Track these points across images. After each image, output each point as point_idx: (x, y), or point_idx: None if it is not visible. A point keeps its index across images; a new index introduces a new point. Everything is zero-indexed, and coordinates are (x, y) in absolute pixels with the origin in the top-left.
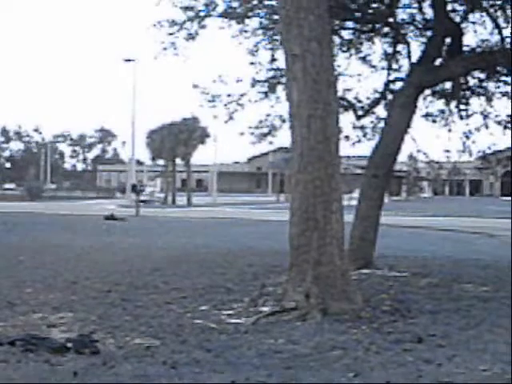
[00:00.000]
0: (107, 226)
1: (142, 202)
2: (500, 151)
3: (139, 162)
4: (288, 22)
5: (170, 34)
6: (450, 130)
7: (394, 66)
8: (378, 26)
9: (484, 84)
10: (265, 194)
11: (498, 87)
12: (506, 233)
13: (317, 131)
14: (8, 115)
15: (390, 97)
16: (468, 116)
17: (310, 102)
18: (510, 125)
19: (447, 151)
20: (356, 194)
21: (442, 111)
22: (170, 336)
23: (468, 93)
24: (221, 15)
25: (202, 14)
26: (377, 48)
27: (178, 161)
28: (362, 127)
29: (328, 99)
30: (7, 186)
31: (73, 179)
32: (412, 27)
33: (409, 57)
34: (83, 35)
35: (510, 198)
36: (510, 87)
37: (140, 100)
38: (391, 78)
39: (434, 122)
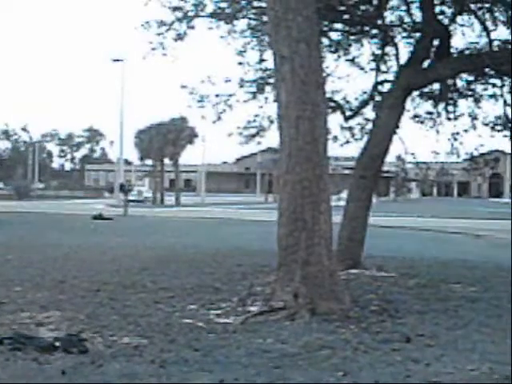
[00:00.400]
0: (95, 225)
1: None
2: (488, 153)
3: (127, 162)
4: (276, 24)
5: (159, 34)
6: (437, 132)
7: (383, 67)
8: (366, 27)
9: (472, 86)
10: (253, 195)
11: (486, 89)
12: (492, 233)
13: (305, 132)
14: None
15: (378, 98)
16: (456, 117)
17: (299, 103)
18: (497, 126)
19: (435, 152)
20: (344, 195)
21: (430, 113)
22: (158, 335)
23: (456, 94)
24: (209, 16)
25: (190, 14)
26: (365, 50)
27: (167, 161)
28: (350, 128)
29: (316, 100)
30: None
31: (61, 178)
32: (400, 29)
33: (397, 59)
34: (72, 35)
35: (497, 200)
36: (497, 89)
37: (128, 100)
38: (379, 79)
39: (422, 123)
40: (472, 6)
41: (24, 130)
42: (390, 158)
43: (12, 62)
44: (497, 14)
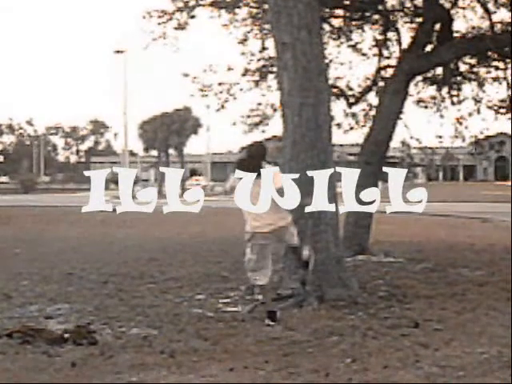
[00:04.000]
0: (102, 217)
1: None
2: (493, 136)
3: (132, 153)
4: (277, 11)
5: (160, 24)
6: (442, 116)
7: (385, 53)
8: (367, 13)
9: (475, 69)
10: None
11: (489, 72)
12: (498, 217)
13: (308, 119)
14: None
15: (381, 84)
16: (460, 101)
17: (301, 90)
18: (501, 109)
19: (440, 137)
20: None
21: (434, 97)
22: (167, 325)
23: (459, 78)
24: (210, 5)
25: (191, 3)
26: (367, 35)
27: (171, 151)
28: (354, 115)
29: (319, 87)
30: (1, 179)
31: (66, 171)
32: (402, 14)
33: (399, 44)
34: (74, 27)
35: (503, 183)
36: (500, 72)
37: (132, 91)
38: (382, 65)
39: (426, 107)
40: None
41: (29, 123)
42: (395, 143)
43: (15, 55)
44: None
